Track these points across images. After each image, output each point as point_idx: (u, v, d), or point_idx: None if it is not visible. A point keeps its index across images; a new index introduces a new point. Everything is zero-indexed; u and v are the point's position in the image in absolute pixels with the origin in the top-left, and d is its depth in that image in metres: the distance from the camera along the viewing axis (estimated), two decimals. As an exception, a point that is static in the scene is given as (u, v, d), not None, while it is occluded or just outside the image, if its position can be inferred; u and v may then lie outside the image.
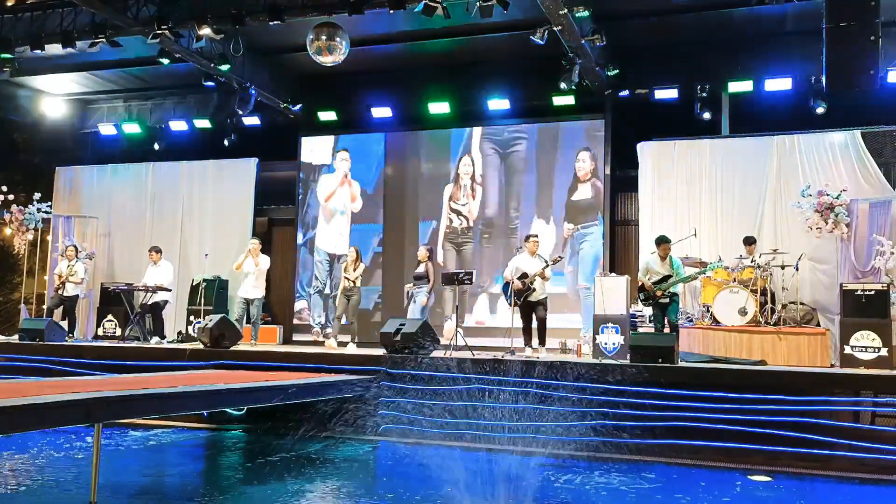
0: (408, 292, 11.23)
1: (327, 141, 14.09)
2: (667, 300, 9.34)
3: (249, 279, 11.29)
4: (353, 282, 10.86)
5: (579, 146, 12.66)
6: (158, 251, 12.00)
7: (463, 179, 13.21)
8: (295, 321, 13.93)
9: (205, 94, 13.75)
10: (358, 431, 8.34)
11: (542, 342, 9.85)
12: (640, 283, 9.59)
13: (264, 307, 11.87)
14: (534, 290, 9.72)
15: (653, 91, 11.74)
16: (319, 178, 14.05)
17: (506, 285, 10.00)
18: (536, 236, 10.28)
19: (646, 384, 8.03)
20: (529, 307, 9.82)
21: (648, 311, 9.97)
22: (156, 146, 14.43)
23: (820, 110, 11.15)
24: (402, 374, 8.86)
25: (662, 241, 9.55)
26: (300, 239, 14.06)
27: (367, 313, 13.14)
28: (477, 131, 13.23)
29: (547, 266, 9.72)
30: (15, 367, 10.18)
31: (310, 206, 14.06)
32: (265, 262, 11.47)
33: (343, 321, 10.96)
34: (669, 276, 9.31)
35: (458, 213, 13.22)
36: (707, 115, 11.65)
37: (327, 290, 13.68)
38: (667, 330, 9.32)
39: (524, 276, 9.75)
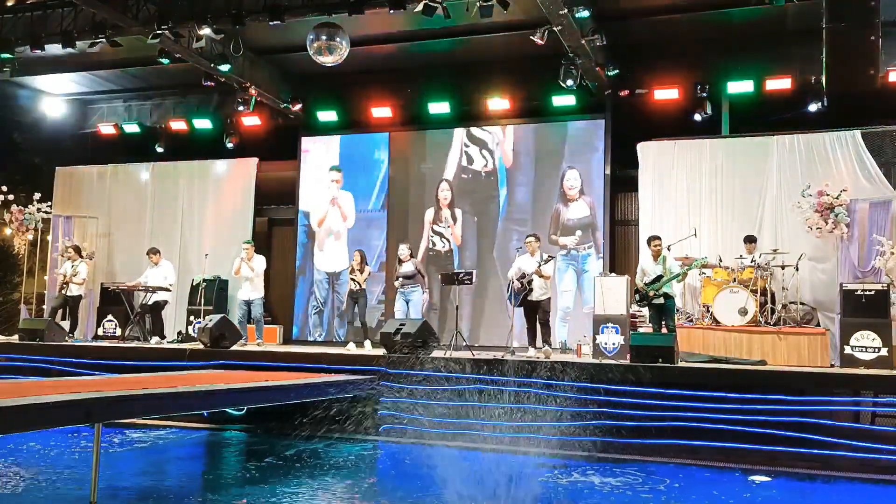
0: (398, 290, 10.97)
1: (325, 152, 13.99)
2: (660, 300, 9.33)
3: (247, 281, 11.36)
4: (360, 284, 10.86)
5: (569, 163, 12.58)
6: (157, 252, 12.00)
7: (442, 203, 13.13)
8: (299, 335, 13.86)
9: (205, 94, 13.75)
10: (358, 431, 8.34)
11: (545, 342, 9.77)
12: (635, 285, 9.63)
13: (264, 307, 11.85)
14: (531, 289, 9.67)
15: (653, 91, 11.74)
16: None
17: (509, 285, 9.94)
18: (537, 236, 10.08)
19: (646, 384, 8.04)
20: (531, 308, 9.79)
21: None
22: (156, 146, 14.41)
23: (820, 110, 11.13)
24: (401, 374, 8.87)
25: (652, 239, 9.60)
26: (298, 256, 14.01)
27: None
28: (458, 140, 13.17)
29: (540, 265, 9.59)
30: (15, 367, 10.20)
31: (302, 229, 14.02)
32: (260, 263, 11.49)
33: (356, 323, 10.98)
34: (662, 276, 9.32)
35: (441, 236, 13.14)
36: (707, 115, 11.64)
37: (327, 310, 13.60)
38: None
39: (523, 276, 9.74)
